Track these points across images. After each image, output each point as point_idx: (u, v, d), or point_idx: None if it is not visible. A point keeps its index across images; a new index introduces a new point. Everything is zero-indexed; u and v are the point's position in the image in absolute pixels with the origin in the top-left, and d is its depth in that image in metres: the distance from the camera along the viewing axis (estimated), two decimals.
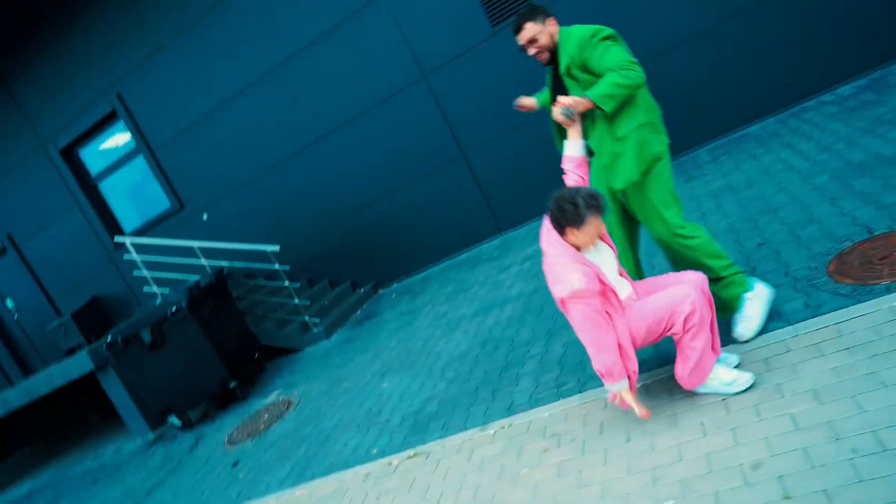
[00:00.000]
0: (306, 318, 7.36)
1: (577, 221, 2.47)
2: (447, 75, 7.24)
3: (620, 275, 2.72)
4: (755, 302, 2.86)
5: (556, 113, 2.77)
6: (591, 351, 2.55)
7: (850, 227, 3.36)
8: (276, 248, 7.22)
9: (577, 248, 2.55)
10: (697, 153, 6.59)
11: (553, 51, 2.95)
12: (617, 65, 2.75)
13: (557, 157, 3.07)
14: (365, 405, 4.63)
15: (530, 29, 2.91)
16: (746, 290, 2.88)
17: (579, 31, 2.86)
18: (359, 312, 7.78)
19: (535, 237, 6.73)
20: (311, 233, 8.36)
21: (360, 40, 7.39)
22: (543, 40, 2.93)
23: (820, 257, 3.22)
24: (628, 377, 2.54)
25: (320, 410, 5.00)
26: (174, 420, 6.29)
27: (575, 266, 2.47)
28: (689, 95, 6.57)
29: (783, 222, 3.87)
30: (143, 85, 8.50)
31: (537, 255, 6.05)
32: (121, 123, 8.92)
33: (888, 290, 2.66)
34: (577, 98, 2.77)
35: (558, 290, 2.53)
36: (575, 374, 3.40)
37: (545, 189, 7.59)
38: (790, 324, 2.81)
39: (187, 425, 6.29)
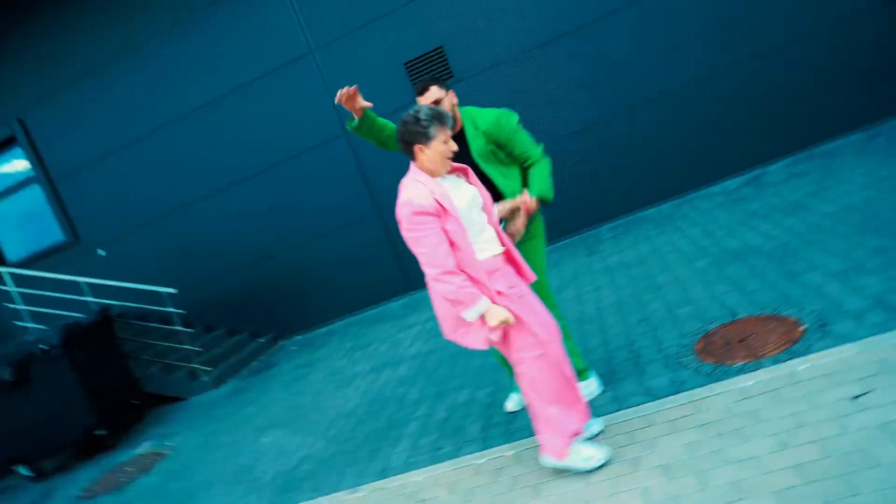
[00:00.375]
0: (196, 365, 6.96)
1: (423, 137, 2.39)
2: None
3: (497, 232, 2.57)
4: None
5: (515, 230, 2.83)
6: (430, 272, 2.36)
7: (718, 310, 3.57)
8: (174, 290, 6.88)
9: (432, 175, 2.45)
10: (600, 230, 6.91)
11: (454, 123, 3.02)
12: (539, 151, 3.00)
13: None
14: (239, 460, 4.35)
15: (435, 92, 2.96)
16: (585, 378, 3.10)
17: (495, 112, 2.94)
18: (255, 363, 7.45)
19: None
20: (213, 279, 8.04)
21: (284, 92, 7.42)
22: (445, 107, 3.00)
23: (690, 336, 3.39)
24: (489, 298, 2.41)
25: (191, 464, 4.66)
26: (23, 470, 5.67)
27: (416, 185, 2.39)
28: (597, 177, 6.95)
29: (664, 300, 4.07)
30: (50, 113, 8.10)
31: None
32: (18, 150, 8.41)
33: (741, 371, 2.82)
34: (525, 199, 2.85)
35: (397, 208, 2.43)
36: (453, 438, 3.34)
37: None
38: (656, 399, 2.91)
39: (40, 476, 5.68)
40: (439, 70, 7.03)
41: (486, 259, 2.47)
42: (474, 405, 3.67)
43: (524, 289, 2.58)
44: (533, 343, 2.48)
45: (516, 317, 2.46)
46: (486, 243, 2.49)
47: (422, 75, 7.09)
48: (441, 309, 2.51)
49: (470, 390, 3.93)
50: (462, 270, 2.41)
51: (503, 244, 2.57)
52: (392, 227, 7.49)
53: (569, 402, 2.57)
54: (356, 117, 2.88)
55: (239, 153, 7.68)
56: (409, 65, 7.11)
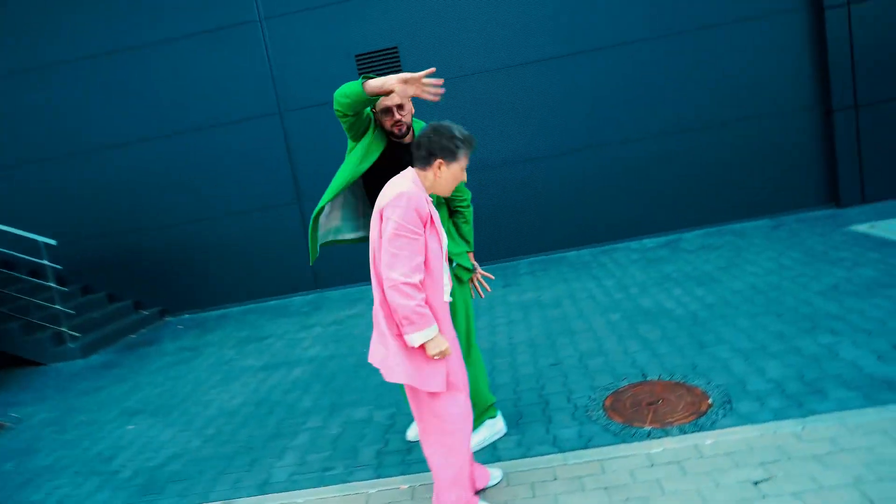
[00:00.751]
0: (64, 329, 6.26)
1: (450, 154, 2.25)
2: (304, 119, 7.00)
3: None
4: (485, 431, 3.01)
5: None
6: (394, 277, 2.10)
7: (629, 368, 3.61)
8: (52, 241, 6.16)
9: (429, 191, 2.31)
10: (519, 263, 6.95)
11: (407, 131, 2.85)
12: (470, 196, 3.00)
13: None
14: (96, 447, 3.88)
15: (399, 96, 2.78)
16: (492, 416, 3.04)
17: None
18: (134, 336, 6.82)
19: (351, 302, 6.51)
20: (102, 235, 7.32)
21: (223, 56, 6.93)
22: (408, 112, 2.83)
23: (600, 390, 3.39)
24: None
25: (37, 443, 4.11)
26: None
27: (417, 189, 2.18)
28: (523, 211, 7.00)
29: (577, 348, 4.08)
30: None
31: (347, 321, 5.81)
32: None
33: (649, 436, 2.83)
34: (477, 271, 3.00)
35: (385, 196, 2.18)
36: (345, 460, 3.13)
37: (367, 260, 7.45)
38: (562, 451, 2.85)
39: None
40: (390, 70, 6.84)
41: (445, 302, 2.32)
42: (371, 426, 3.48)
43: (458, 350, 2.44)
44: (454, 419, 2.30)
45: (450, 378, 2.31)
46: (444, 286, 2.34)
47: (371, 71, 6.87)
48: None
49: (369, 408, 3.73)
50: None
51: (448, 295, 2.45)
52: (308, 217, 7.16)
53: (467, 486, 2.42)
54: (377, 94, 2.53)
55: (161, 107, 7.07)
56: (360, 58, 6.87)
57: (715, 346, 3.69)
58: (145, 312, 7.33)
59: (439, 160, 2.25)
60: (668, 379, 3.36)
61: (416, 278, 2.11)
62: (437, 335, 2.18)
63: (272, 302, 7.28)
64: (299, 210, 7.15)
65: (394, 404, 3.72)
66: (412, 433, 3.23)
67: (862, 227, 5.72)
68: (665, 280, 5.22)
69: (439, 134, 2.26)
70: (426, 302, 2.19)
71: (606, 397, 3.29)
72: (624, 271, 5.76)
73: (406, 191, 2.14)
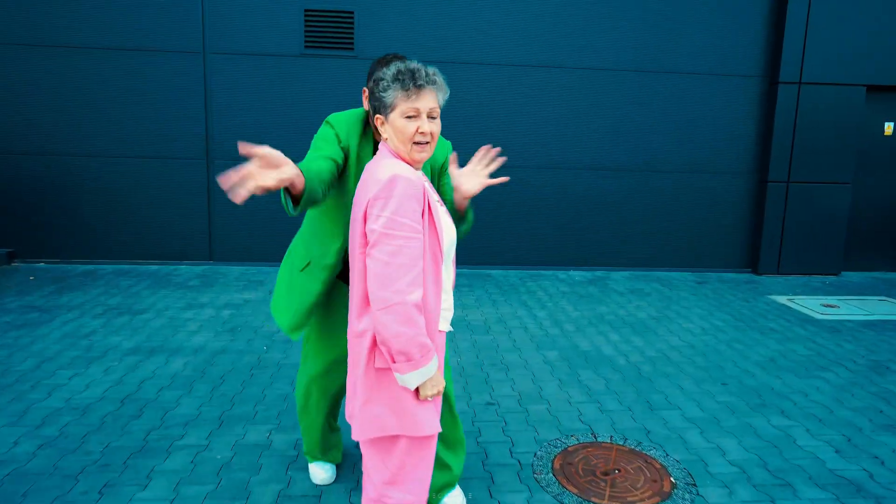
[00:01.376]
0: None
1: (381, 105, 1.64)
2: (230, 67, 6.08)
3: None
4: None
5: None
6: (385, 297, 1.49)
7: (576, 422, 3.21)
8: None
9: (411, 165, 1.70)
10: None
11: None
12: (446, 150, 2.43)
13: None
14: None
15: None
16: (452, 488, 2.44)
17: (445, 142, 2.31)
18: None
19: (251, 284, 5.70)
20: None
21: None
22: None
23: (546, 446, 2.96)
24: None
25: None
26: None
27: (398, 163, 1.60)
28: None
29: (514, 387, 3.64)
30: None
31: (244, 306, 5.02)
32: None
33: None
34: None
35: (370, 183, 1.57)
36: (234, 501, 2.45)
37: (280, 241, 6.65)
38: None
39: None
40: (341, 35, 6.11)
41: (441, 332, 1.72)
42: (271, 454, 2.81)
43: None
44: (429, 463, 1.74)
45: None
46: (446, 311, 1.74)
47: (321, 32, 6.10)
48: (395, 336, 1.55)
49: (268, 428, 3.05)
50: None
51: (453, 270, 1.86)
52: (215, 188, 6.23)
53: None
54: (293, 200, 1.64)
55: (50, 9, 5.84)
56: (309, 14, 6.07)
57: (665, 409, 3.39)
58: None
59: (377, 117, 1.67)
60: (620, 443, 3.00)
61: (417, 295, 1.52)
62: (437, 373, 1.62)
63: (154, 267, 6.26)
64: (206, 166, 6.21)
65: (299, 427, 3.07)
66: (321, 474, 2.61)
67: (781, 299, 5.81)
68: (600, 321, 4.95)
69: (371, 75, 1.79)
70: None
71: (555, 457, 2.86)
72: (555, 304, 5.44)
73: (399, 172, 1.55)
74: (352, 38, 6.14)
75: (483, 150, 1.92)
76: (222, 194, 6.24)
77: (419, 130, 1.61)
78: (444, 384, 1.63)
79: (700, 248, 6.81)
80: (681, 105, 6.55)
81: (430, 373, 1.57)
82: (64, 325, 4.44)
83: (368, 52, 6.18)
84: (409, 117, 1.61)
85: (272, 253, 6.38)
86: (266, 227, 6.36)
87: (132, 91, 6.03)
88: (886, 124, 6.91)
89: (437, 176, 2.23)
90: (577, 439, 3.03)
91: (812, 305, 5.63)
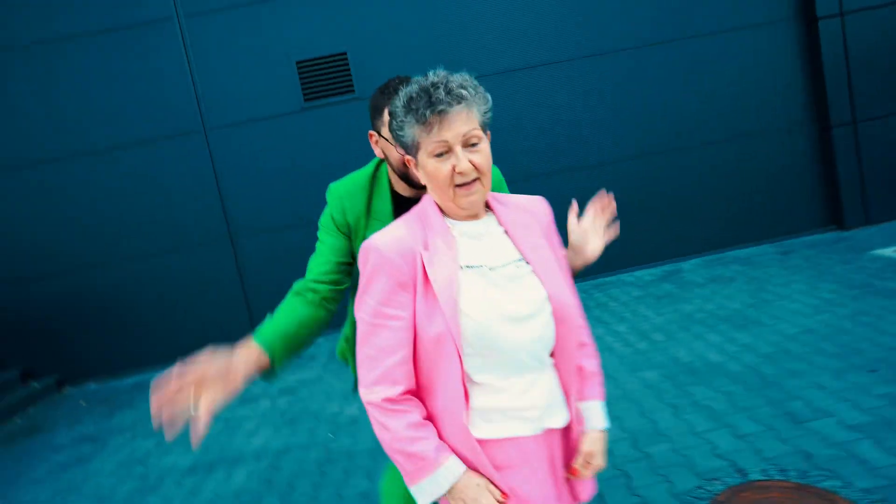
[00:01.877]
0: None
1: (400, 141, 1.25)
2: (234, 139, 5.80)
3: (565, 384, 1.29)
4: None
5: None
6: (363, 389, 1.21)
7: (711, 459, 2.64)
8: None
9: (446, 214, 1.28)
10: None
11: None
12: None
13: None
14: None
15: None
16: None
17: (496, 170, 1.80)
18: (19, 421, 5.30)
19: (301, 363, 5.30)
20: None
21: (133, 59, 5.66)
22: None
23: (687, 499, 2.40)
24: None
25: None
26: None
27: (401, 224, 1.26)
28: None
29: (621, 425, 3.09)
30: None
31: (300, 389, 4.61)
32: None
33: None
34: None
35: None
36: None
37: None
38: None
39: None
40: (338, 79, 5.79)
41: (503, 440, 1.22)
42: None
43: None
44: None
45: None
46: (518, 397, 1.22)
47: (318, 81, 5.79)
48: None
49: None
50: (415, 396, 1.23)
51: (571, 411, 1.29)
52: (245, 256, 5.92)
53: None
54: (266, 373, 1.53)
55: (50, 123, 5.68)
56: (302, 65, 5.77)
57: (815, 420, 2.79)
58: (36, 385, 5.81)
59: (407, 158, 1.28)
60: (780, 478, 2.42)
61: (389, 391, 1.18)
62: (464, 475, 1.17)
63: None
64: (230, 246, 5.90)
65: None
66: None
67: (886, 252, 5.10)
68: (690, 322, 4.36)
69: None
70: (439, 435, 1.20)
71: None
72: (633, 312, 4.87)
73: (374, 241, 1.23)
74: (350, 80, 5.81)
75: (600, 198, 1.51)
76: (254, 272, 5.92)
77: (456, 170, 1.19)
78: (488, 500, 1.16)
79: (773, 216, 6.14)
80: (712, 70, 5.96)
81: (437, 489, 1.16)
82: (117, 452, 4.09)
83: (370, 90, 5.83)
84: (438, 155, 1.19)
85: None
86: None
87: (143, 187, 5.79)
88: None
89: None
90: (724, 483, 2.46)
91: None
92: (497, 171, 1.78)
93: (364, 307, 1.22)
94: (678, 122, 6.01)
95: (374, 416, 1.19)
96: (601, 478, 2.67)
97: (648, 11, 5.88)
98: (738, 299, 4.65)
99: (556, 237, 1.36)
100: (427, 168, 1.21)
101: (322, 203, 1.86)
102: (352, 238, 1.74)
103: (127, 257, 5.85)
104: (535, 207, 1.36)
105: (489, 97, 1.25)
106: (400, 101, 1.22)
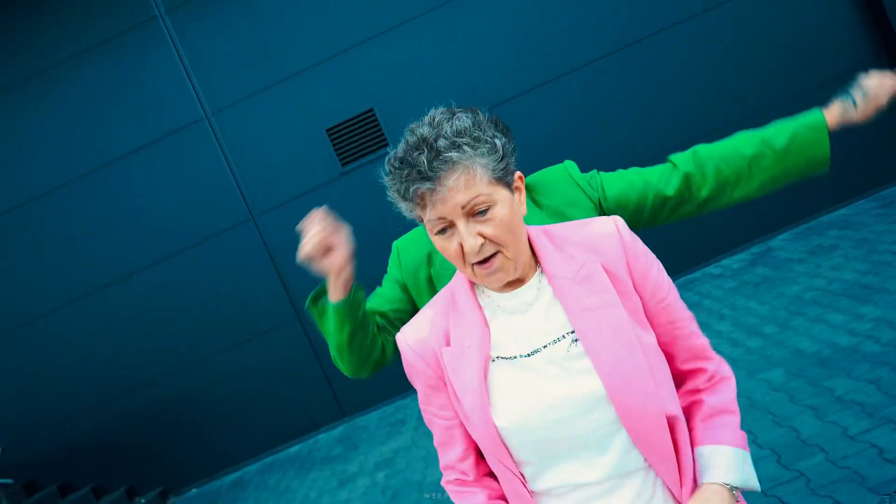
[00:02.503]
0: None
1: (390, 200, 1.03)
2: (282, 219, 5.79)
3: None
4: None
5: None
6: (440, 463, 1.13)
7: (881, 466, 2.22)
8: None
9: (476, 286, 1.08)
10: None
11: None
12: (683, 156, 1.67)
13: None
14: None
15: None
16: None
17: (552, 171, 1.54)
18: None
19: (392, 428, 5.10)
20: (62, 421, 5.89)
21: (176, 162, 5.80)
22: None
23: None
24: None
25: None
26: None
27: (425, 309, 1.11)
28: None
29: (758, 441, 2.70)
30: None
31: (396, 460, 4.38)
32: None
33: None
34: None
35: None
36: None
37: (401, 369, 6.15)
38: None
39: None
40: (371, 137, 5.72)
41: None
42: None
43: None
44: None
45: None
46: (557, 497, 1.01)
47: (351, 144, 5.75)
48: None
49: None
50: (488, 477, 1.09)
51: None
52: (317, 332, 5.82)
53: None
54: (336, 293, 1.39)
55: (102, 249, 5.82)
56: (332, 132, 5.75)
57: None
58: (142, 500, 5.84)
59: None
60: None
61: (455, 476, 1.08)
62: None
63: (294, 448, 5.83)
64: (300, 325, 5.84)
65: None
66: None
67: None
68: (801, 305, 3.89)
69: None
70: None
71: None
72: (731, 306, 4.43)
73: (403, 333, 1.11)
74: (382, 134, 5.74)
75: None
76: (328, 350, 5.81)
77: (465, 249, 0.96)
78: None
79: (862, 167, 5.55)
80: (760, 30, 5.53)
81: None
82: None
83: (399, 138, 5.73)
84: (440, 232, 0.98)
85: (401, 382, 5.80)
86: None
87: (207, 285, 5.84)
88: None
89: (653, 205, 1.41)
90: None
91: None
92: (565, 168, 1.42)
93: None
94: (737, 91, 5.56)
95: (450, 492, 1.11)
96: None
97: None
98: (850, 268, 4.14)
99: (640, 269, 1.01)
100: (435, 244, 1.00)
101: (379, 264, 1.70)
102: (410, 291, 1.53)
103: (202, 359, 5.88)
104: (601, 242, 1.02)
105: (499, 142, 0.98)
106: (387, 167, 1.01)
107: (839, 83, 5.27)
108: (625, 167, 1.48)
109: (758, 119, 5.91)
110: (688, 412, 1.06)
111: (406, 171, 0.95)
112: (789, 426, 2.71)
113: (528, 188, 1.40)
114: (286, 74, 5.72)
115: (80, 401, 5.88)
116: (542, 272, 1.02)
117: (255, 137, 5.77)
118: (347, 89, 5.72)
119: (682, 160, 1.41)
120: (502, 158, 0.97)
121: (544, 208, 1.36)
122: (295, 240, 5.27)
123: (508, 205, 0.97)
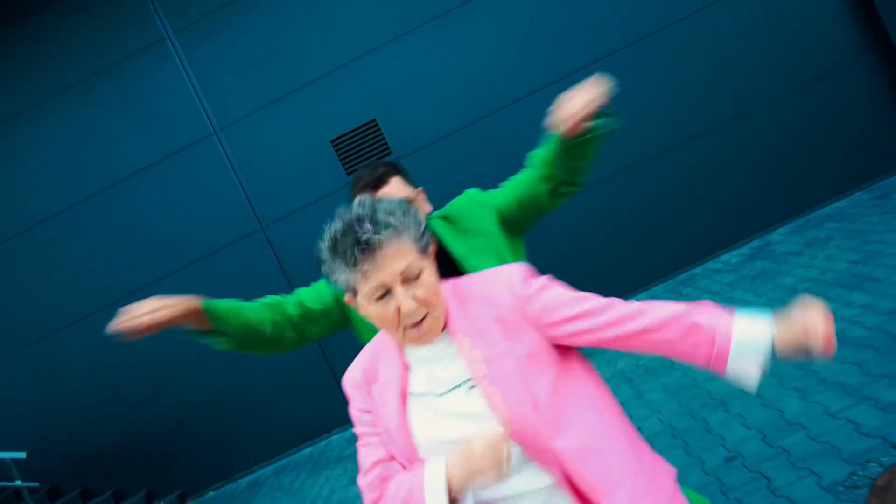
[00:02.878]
0: None
1: (336, 282, 1.15)
2: (290, 228, 5.97)
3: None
4: None
5: None
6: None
7: (859, 440, 2.32)
8: (21, 454, 4.97)
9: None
10: None
11: None
12: (535, 157, 1.87)
13: None
14: None
15: (397, 187, 1.68)
16: None
17: (461, 202, 1.84)
18: None
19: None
20: (83, 427, 6.08)
21: (186, 177, 6.01)
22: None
23: (844, 492, 2.10)
24: None
25: None
26: None
27: (363, 351, 1.30)
28: (577, 262, 5.82)
29: (746, 423, 2.80)
30: None
31: None
32: None
33: None
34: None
35: None
36: None
37: None
38: None
39: None
40: (374, 146, 5.89)
41: None
42: None
43: None
44: None
45: None
46: None
47: (355, 153, 5.92)
48: None
49: None
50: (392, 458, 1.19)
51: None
52: (325, 340, 5.97)
53: None
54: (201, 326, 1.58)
55: (119, 261, 6.04)
56: (336, 142, 5.93)
57: None
58: (161, 503, 6.01)
59: (346, 296, 1.17)
60: None
61: (368, 496, 1.17)
62: (452, 462, 1.07)
63: (307, 449, 5.98)
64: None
65: None
66: None
67: None
68: (794, 295, 3.96)
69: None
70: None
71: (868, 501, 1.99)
72: (728, 300, 4.52)
73: (347, 372, 1.29)
74: (385, 143, 5.91)
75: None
76: (337, 351, 5.96)
77: (402, 312, 1.08)
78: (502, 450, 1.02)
79: (856, 160, 5.63)
80: (749, 27, 5.64)
81: (435, 480, 1.05)
82: None
83: (406, 147, 5.90)
84: (379, 299, 1.09)
85: None
86: None
87: (217, 296, 6.02)
88: None
89: (508, 218, 1.65)
90: (880, 464, 2.14)
91: None
92: (467, 195, 1.68)
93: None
94: (731, 89, 5.66)
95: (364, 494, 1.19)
96: (733, 484, 2.40)
97: None
98: (843, 258, 4.23)
99: (535, 308, 1.13)
100: (369, 312, 1.11)
101: None
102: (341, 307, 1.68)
103: (216, 367, 6.05)
104: (498, 294, 1.14)
105: (421, 219, 1.14)
106: (325, 243, 1.12)
107: (832, 78, 5.39)
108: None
109: (756, 116, 6.03)
110: (695, 337, 1.09)
111: (351, 238, 1.06)
112: (776, 408, 2.81)
113: (446, 219, 1.63)
114: (290, 89, 5.92)
115: (101, 409, 6.08)
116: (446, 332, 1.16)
117: (262, 150, 5.97)
118: (350, 101, 5.90)
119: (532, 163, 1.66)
120: (424, 233, 1.12)
121: (468, 232, 1.56)
122: (303, 247, 5.54)
123: (432, 271, 1.12)
